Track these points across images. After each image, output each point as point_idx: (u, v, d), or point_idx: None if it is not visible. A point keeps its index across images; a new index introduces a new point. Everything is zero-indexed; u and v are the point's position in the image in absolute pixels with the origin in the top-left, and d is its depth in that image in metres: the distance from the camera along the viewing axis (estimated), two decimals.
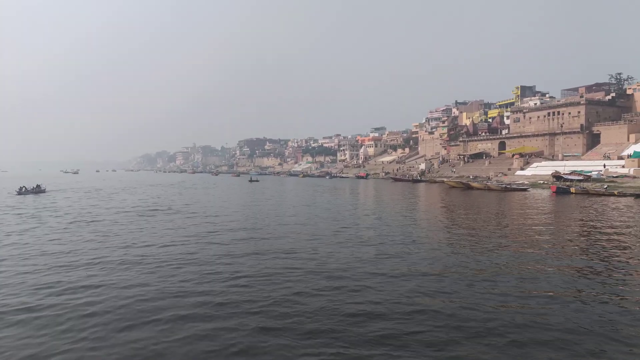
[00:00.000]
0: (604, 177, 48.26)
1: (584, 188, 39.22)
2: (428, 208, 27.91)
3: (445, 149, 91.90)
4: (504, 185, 45.50)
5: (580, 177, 43.76)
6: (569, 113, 65.23)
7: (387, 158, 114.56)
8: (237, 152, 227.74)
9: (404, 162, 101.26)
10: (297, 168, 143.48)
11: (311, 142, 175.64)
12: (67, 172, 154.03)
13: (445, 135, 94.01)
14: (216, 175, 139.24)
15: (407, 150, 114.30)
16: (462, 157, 79.08)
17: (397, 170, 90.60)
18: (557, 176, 46.23)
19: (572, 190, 38.36)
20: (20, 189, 40.20)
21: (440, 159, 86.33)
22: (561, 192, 38.93)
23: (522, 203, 30.39)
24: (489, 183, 49.08)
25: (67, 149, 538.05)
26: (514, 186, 45.97)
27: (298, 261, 12.13)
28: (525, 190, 43.76)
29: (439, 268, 11.25)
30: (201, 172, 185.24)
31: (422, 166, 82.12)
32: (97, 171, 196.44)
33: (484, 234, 16.67)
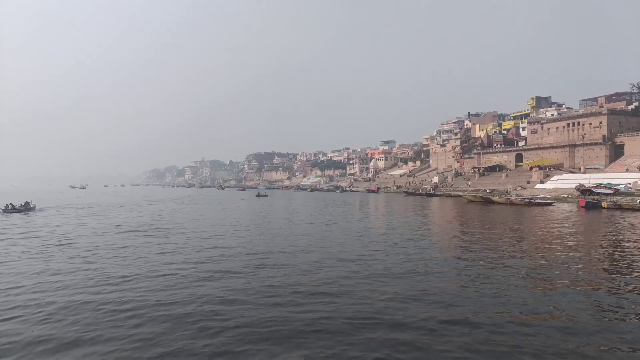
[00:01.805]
0: (632, 190, 45.28)
1: (615, 202, 36.31)
2: (453, 226, 25.27)
3: (458, 161, 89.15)
4: (527, 200, 42.61)
5: (611, 191, 40.86)
6: (590, 124, 62.35)
7: (397, 171, 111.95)
8: (246, 166, 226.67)
9: (415, 176, 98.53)
10: (306, 182, 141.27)
11: (320, 156, 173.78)
12: (75, 187, 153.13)
13: (458, 147, 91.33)
14: (222, 189, 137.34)
15: (418, 163, 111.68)
16: (476, 170, 76.21)
17: (409, 183, 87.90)
18: (586, 190, 43.40)
19: (604, 204, 35.42)
20: (7, 206, 36.22)
21: (454, 172, 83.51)
22: (591, 206, 36.00)
23: (552, 219, 27.61)
24: (512, 197, 46.19)
25: (78, 163, 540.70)
26: (538, 200, 43.07)
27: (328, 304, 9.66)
28: (550, 204, 40.87)
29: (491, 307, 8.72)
30: (209, 186, 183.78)
31: (435, 179, 79.39)
32: (105, 186, 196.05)
33: (525, 257, 14.07)
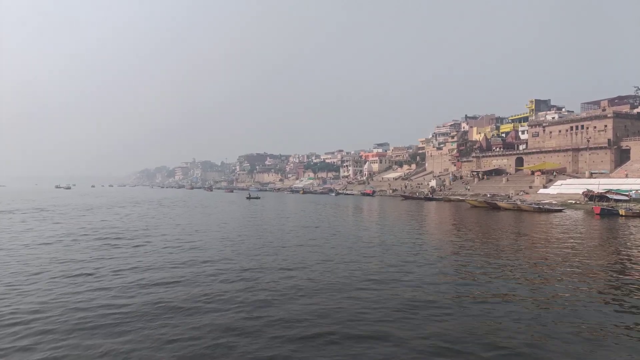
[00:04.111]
0: None
1: (632, 209, 33.74)
2: (466, 235, 22.37)
3: (455, 165, 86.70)
4: (536, 206, 39.99)
5: (626, 197, 38.44)
6: (594, 127, 60.08)
7: (392, 174, 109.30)
8: (237, 167, 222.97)
9: (411, 179, 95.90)
10: (299, 184, 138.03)
11: (313, 158, 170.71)
12: (60, 187, 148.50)
13: (455, 150, 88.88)
14: (210, 191, 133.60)
15: (413, 166, 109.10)
16: (475, 173, 73.71)
17: (405, 187, 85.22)
18: (595, 196, 40.95)
19: (622, 212, 32.82)
20: None
21: (451, 175, 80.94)
22: (606, 213, 33.41)
23: (570, 228, 24.85)
24: (519, 203, 43.58)
25: (68, 163, 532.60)
26: (547, 206, 40.45)
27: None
28: (560, 211, 38.27)
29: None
30: (200, 187, 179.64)
31: (433, 183, 76.65)
32: (93, 186, 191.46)
33: (565, 277, 11.22)
